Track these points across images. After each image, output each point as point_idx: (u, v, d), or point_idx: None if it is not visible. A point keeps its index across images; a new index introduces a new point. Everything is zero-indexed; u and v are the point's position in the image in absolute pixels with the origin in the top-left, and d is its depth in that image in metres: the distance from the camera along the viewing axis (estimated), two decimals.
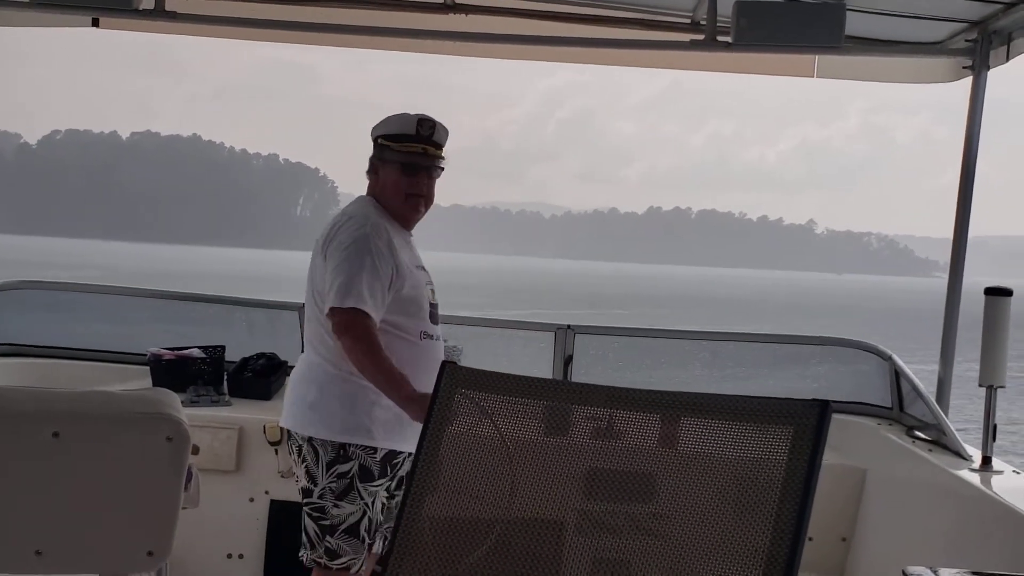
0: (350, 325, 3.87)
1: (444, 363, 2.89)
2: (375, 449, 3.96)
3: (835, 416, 2.33)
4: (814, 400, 2.31)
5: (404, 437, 3.92)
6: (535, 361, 5.66)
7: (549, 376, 5.39)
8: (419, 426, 3.84)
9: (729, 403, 2.49)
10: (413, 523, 2.74)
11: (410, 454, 3.92)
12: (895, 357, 5.27)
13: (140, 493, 2.56)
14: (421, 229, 4.25)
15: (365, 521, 3.97)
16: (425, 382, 3.90)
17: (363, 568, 4.04)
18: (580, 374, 5.44)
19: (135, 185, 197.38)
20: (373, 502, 3.98)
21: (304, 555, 4.05)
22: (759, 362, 6.17)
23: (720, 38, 5.01)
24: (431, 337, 4.05)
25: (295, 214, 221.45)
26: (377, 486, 3.98)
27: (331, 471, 3.97)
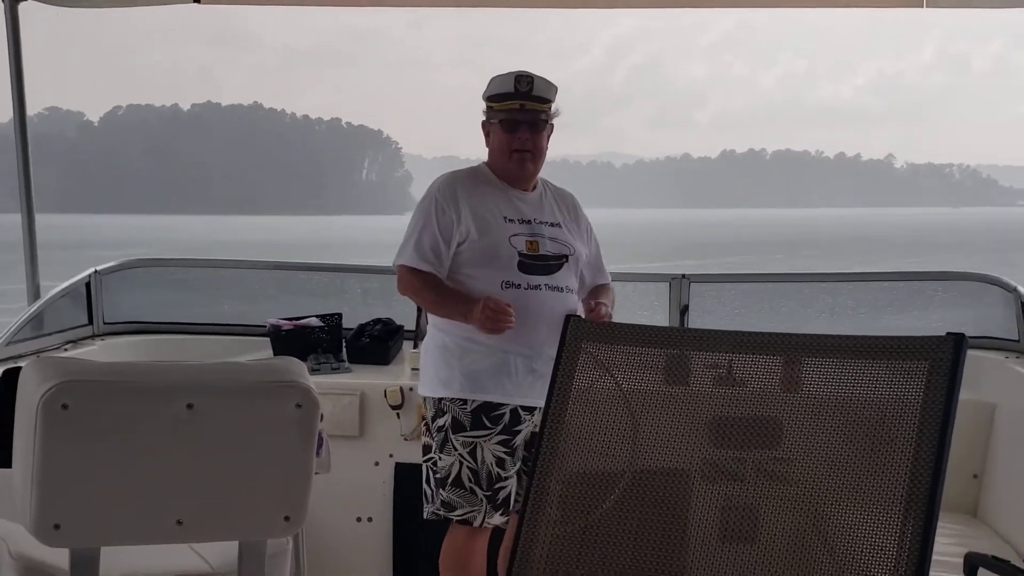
0: (399, 282, 4.18)
1: (568, 317, 2.89)
2: (465, 401, 4.04)
3: None
4: (949, 334, 2.28)
5: (500, 389, 4.04)
6: (654, 313, 5.62)
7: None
8: (521, 378, 4.00)
9: (858, 342, 2.46)
10: (545, 478, 2.76)
11: (520, 407, 4.03)
12: (1020, 289, 5.15)
13: (274, 460, 2.59)
14: None
15: (466, 471, 4.04)
16: (512, 329, 3.98)
17: (485, 522, 4.09)
18: (698, 325, 5.39)
19: (198, 157, 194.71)
20: (472, 452, 4.04)
21: (426, 510, 4.16)
22: (880, 301, 6.07)
23: None
24: (518, 286, 4.06)
25: (361, 178, 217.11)
26: (472, 437, 4.04)
27: (434, 425, 4.12)
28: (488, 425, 4.03)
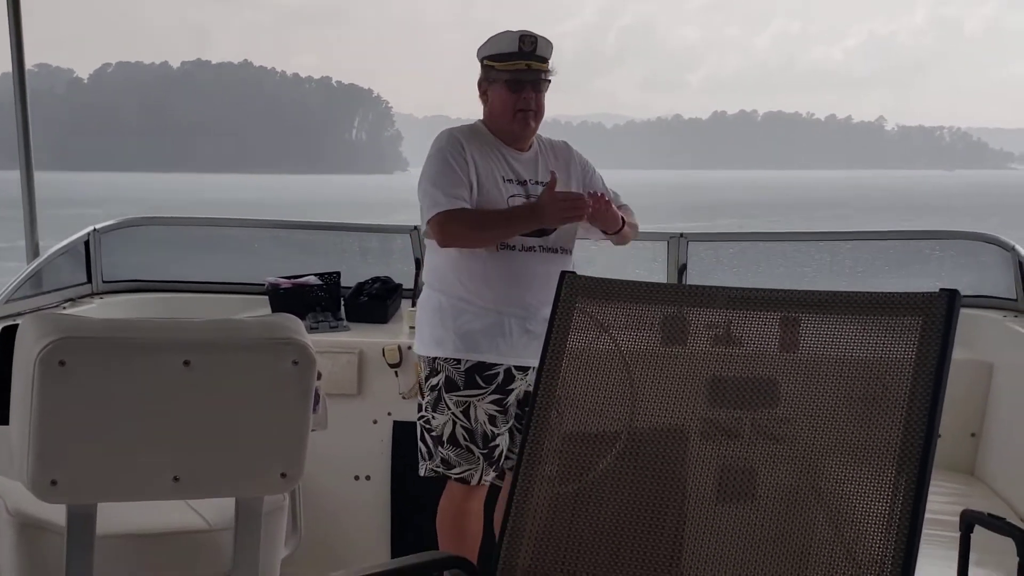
0: (440, 234, 4.04)
1: (563, 273, 2.89)
2: (459, 361, 4.05)
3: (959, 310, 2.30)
4: (942, 290, 2.28)
5: (495, 349, 4.06)
6: (652, 272, 5.61)
7: None
8: (516, 338, 4.03)
9: (852, 298, 2.47)
10: (539, 436, 2.76)
11: (514, 367, 4.06)
12: (1018, 248, 5.15)
13: (270, 417, 2.59)
14: None
15: (460, 430, 4.07)
16: (506, 291, 4.05)
17: (483, 480, 4.14)
18: (695, 283, 5.38)
19: (188, 115, 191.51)
20: (465, 411, 4.06)
21: (423, 467, 4.19)
22: (877, 261, 6.07)
23: None
24: (512, 248, 4.08)
25: (351, 137, 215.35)
26: (466, 396, 4.06)
27: (427, 384, 4.14)
28: (481, 384, 4.05)
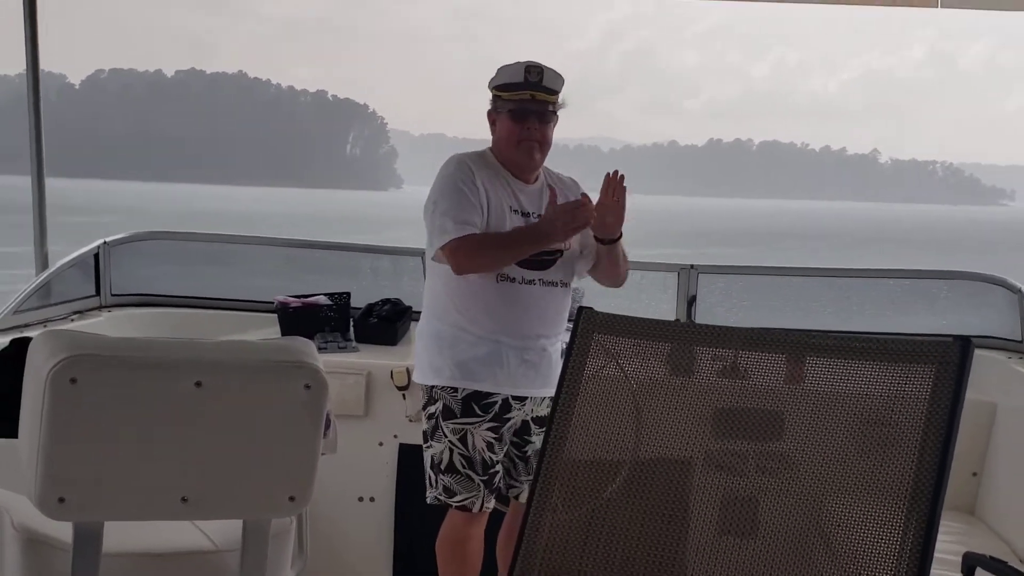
0: (455, 260, 4.02)
1: (580, 308, 2.90)
2: (456, 389, 4.06)
3: None
4: (955, 338, 2.29)
5: (492, 378, 4.06)
6: (660, 303, 5.62)
7: (673, 317, 5.40)
8: (513, 368, 4.03)
9: (865, 343, 2.48)
10: (553, 465, 2.77)
11: (512, 397, 4.08)
12: None
13: (281, 440, 2.59)
14: None
15: (458, 458, 4.07)
16: (504, 321, 4.06)
17: (484, 507, 4.13)
18: (704, 315, 5.41)
19: (180, 124, 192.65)
20: (463, 439, 4.07)
21: (430, 495, 4.19)
22: (885, 298, 6.08)
23: None
24: (512, 280, 4.08)
25: (345, 153, 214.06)
26: (462, 424, 4.06)
27: (426, 412, 4.16)
28: (478, 413, 4.06)
